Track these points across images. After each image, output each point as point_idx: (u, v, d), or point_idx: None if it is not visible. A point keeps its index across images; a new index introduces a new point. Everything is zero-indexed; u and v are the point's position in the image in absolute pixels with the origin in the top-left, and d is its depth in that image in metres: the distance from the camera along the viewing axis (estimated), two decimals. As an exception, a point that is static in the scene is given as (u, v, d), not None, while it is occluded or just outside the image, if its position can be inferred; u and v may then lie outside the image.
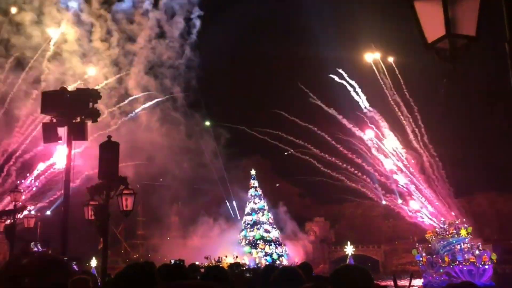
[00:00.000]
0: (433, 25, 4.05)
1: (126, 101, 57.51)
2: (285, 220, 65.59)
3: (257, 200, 60.66)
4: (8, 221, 20.44)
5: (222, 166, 70.98)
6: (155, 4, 58.10)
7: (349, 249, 47.27)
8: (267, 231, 57.87)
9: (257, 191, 61.66)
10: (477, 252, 43.99)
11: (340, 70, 66.53)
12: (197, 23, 61.12)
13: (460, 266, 43.15)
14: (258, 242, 56.81)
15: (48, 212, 58.35)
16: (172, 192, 72.87)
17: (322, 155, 68.54)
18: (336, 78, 66.10)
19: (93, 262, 46.89)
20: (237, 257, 50.28)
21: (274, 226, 59.61)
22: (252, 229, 58.15)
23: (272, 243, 57.04)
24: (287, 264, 52.48)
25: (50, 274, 3.30)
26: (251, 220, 59.04)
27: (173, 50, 59.90)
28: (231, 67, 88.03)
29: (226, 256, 49.40)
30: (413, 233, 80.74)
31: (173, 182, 68.41)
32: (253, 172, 62.95)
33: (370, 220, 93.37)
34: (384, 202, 68.72)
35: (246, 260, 52.91)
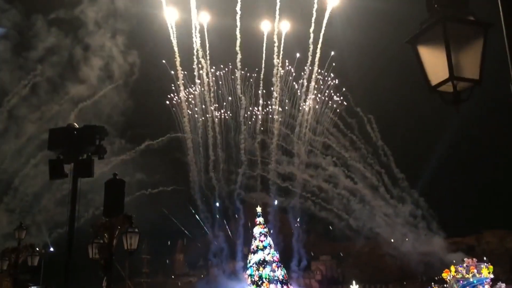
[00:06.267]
0: (436, 68, 4.09)
1: None
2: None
3: (262, 237, 60.01)
4: (12, 259, 20.29)
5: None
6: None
7: (355, 289, 46.12)
8: (273, 270, 56.98)
9: (262, 228, 61.07)
10: None
11: None
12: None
13: (483, 307, 41.31)
14: (264, 281, 55.90)
15: (52, 249, 58.12)
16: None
17: None
18: None
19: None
20: None
21: (280, 265, 58.75)
22: (257, 268, 57.30)
23: (278, 283, 56.10)
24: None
25: None
26: (256, 259, 58.24)
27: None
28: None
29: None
30: (422, 273, 79.37)
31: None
32: (258, 209, 62.56)
33: (378, 259, 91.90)
34: None
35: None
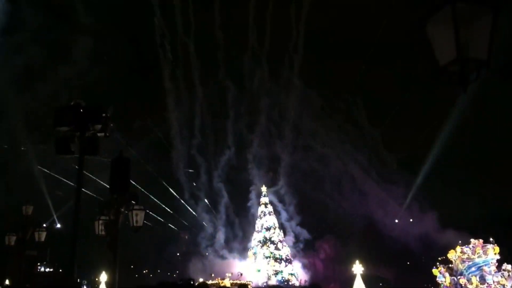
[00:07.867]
0: (444, 49, 4.06)
1: None
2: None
3: (267, 217, 60.33)
4: (19, 235, 20.53)
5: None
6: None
7: (358, 268, 45.64)
8: (278, 249, 57.44)
9: (267, 207, 61.35)
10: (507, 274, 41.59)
11: None
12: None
13: (489, 288, 40.64)
14: (268, 259, 56.37)
15: (58, 225, 58.77)
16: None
17: None
18: None
19: (103, 277, 46.19)
20: (241, 274, 49.93)
21: (285, 244, 59.18)
22: (262, 247, 57.76)
23: (282, 261, 56.58)
24: (297, 283, 52.00)
25: None
26: (261, 238, 58.67)
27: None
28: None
29: (232, 273, 49.19)
30: (423, 253, 79.72)
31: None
32: (263, 189, 62.78)
33: (379, 240, 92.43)
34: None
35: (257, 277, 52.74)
